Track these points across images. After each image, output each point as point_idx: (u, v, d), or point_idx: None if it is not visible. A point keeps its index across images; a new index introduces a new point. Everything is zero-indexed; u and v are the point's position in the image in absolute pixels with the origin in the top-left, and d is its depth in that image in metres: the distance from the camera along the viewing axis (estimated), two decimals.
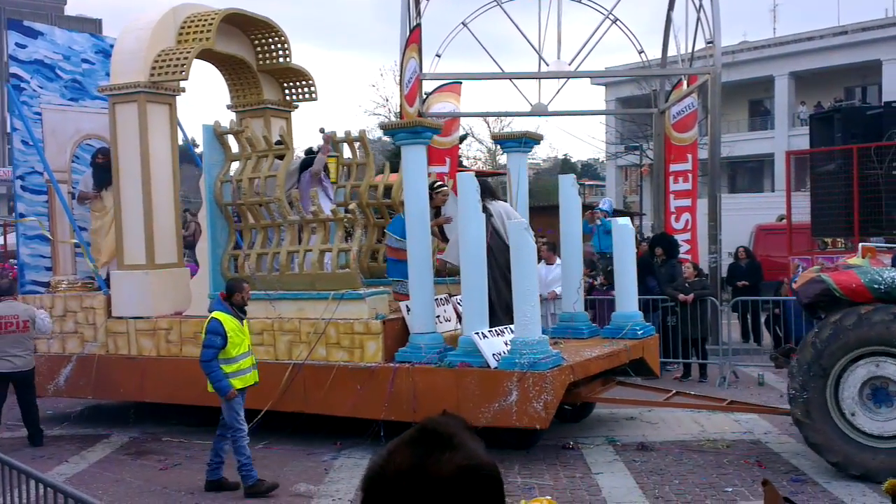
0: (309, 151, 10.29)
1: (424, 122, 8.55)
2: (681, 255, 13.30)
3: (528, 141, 10.13)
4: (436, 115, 14.88)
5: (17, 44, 11.20)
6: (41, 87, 11.39)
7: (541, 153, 57.33)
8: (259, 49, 11.48)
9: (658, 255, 12.85)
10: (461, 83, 15.84)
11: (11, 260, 22.73)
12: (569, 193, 10.05)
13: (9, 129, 12.06)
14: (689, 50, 14.87)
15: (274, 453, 8.78)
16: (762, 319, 14.58)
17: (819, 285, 7.31)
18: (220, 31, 10.43)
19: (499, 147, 10.77)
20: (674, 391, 8.96)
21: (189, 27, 10.26)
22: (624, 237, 9.85)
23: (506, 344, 8.18)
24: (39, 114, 11.34)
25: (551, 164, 63.99)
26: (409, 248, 8.67)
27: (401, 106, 13.86)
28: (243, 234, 9.95)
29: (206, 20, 10.26)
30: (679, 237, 13.93)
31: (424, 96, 15.12)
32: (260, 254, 9.63)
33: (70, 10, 53.91)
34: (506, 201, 9.87)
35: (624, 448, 8.58)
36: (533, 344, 7.86)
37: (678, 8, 15.27)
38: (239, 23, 11.06)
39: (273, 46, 11.44)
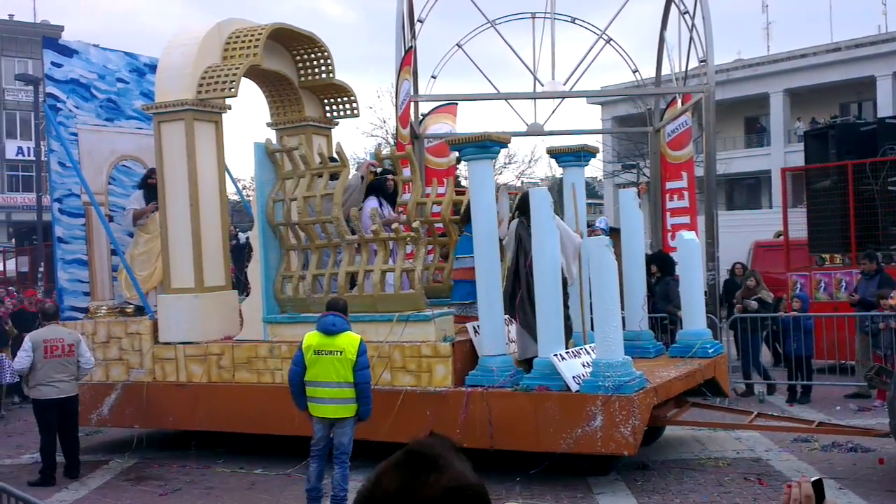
0: (381, 172, 9.99)
1: (493, 136, 8.24)
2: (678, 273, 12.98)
3: (586, 154, 9.84)
4: (432, 135, 14.73)
5: (52, 63, 10.90)
6: (77, 108, 11.08)
7: (539, 172, 57.36)
8: (301, 65, 11.18)
9: (654, 273, 12.57)
10: (457, 104, 15.69)
11: (10, 287, 22.43)
12: (631, 209, 9.74)
13: (44, 155, 11.73)
14: (683, 69, 14.78)
15: (273, 478, 8.62)
16: (761, 336, 14.30)
17: None
18: (264, 47, 10.13)
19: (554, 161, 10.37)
20: (755, 413, 8.63)
21: (235, 43, 9.96)
22: (690, 253, 9.54)
23: (584, 366, 7.85)
24: (75, 134, 11.02)
25: (549, 182, 64.18)
26: (477, 265, 8.35)
27: (396, 128, 13.71)
28: (291, 254, 9.63)
29: (252, 36, 9.96)
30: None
31: (421, 117, 15.03)
32: (316, 275, 9.29)
33: (67, 35, 53.74)
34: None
35: (625, 467, 8.36)
36: (617, 366, 7.52)
37: (671, 27, 15.19)
38: (281, 38, 10.77)
39: (315, 62, 11.14)
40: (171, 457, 9.80)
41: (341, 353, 7.12)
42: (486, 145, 8.22)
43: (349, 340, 7.17)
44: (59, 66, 10.96)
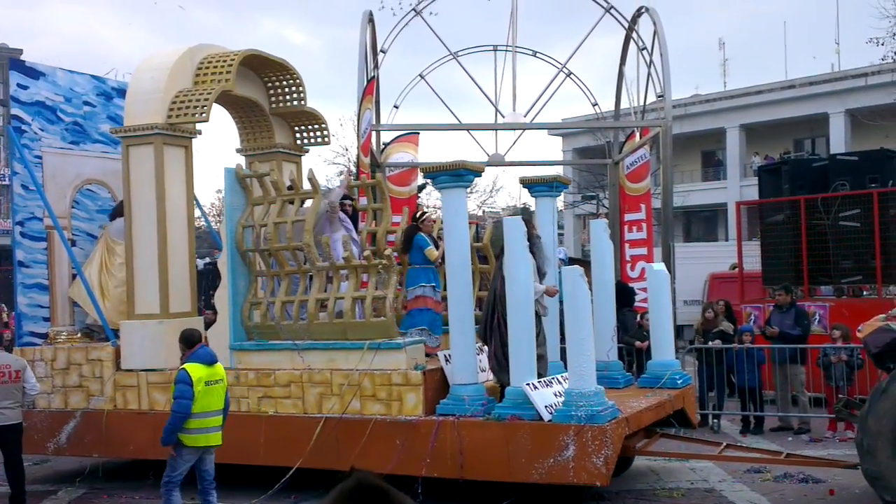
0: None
1: (467, 164, 8.26)
2: (637, 304, 13.08)
3: (558, 185, 9.90)
4: (394, 164, 14.79)
5: (18, 84, 10.72)
6: (42, 130, 10.89)
7: (500, 202, 57.79)
8: (272, 91, 11.15)
9: None
10: (419, 133, 15.85)
11: None
12: (600, 239, 9.80)
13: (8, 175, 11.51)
14: (642, 103, 15.08)
15: None
16: (718, 368, 14.33)
17: (888, 334, 7.13)
18: (236, 73, 10.08)
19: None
20: (724, 444, 8.65)
21: (207, 68, 9.90)
22: (659, 284, 9.61)
23: (557, 395, 7.83)
24: (40, 157, 10.83)
25: (510, 212, 64.56)
26: (450, 293, 8.32)
27: (357, 157, 13.78)
28: (260, 281, 9.51)
29: (224, 61, 9.91)
30: (636, 286, 13.77)
31: (384, 146, 15.09)
32: (285, 302, 9.19)
33: (26, 59, 52.88)
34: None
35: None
36: (589, 395, 7.51)
37: (630, 63, 15.55)
38: (253, 64, 10.73)
39: (287, 89, 11.11)
40: (122, 487, 9.55)
41: (222, 380, 7.51)
42: (460, 174, 8.24)
43: (221, 368, 7.59)
44: (24, 87, 10.77)
